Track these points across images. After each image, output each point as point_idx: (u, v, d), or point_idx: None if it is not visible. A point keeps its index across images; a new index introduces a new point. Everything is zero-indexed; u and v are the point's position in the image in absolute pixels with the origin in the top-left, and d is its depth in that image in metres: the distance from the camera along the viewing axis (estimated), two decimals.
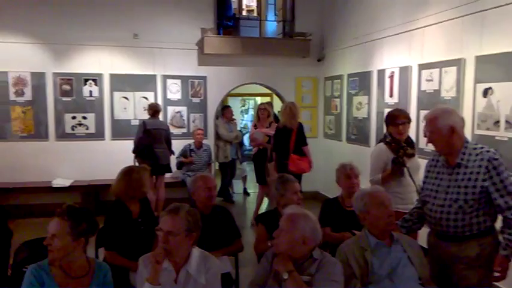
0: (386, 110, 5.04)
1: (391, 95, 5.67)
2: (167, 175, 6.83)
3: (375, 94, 6.11)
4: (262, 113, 6.68)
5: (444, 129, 2.57)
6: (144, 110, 6.90)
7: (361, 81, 6.47)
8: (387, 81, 5.75)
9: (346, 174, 3.56)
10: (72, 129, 7.08)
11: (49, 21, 6.83)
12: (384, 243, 2.55)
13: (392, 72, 5.62)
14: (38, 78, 6.89)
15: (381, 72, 5.91)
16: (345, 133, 7.07)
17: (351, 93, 6.79)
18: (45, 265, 2.24)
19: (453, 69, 4.50)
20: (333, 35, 7.52)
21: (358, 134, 6.60)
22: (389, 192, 2.99)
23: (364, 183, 3.71)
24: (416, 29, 5.12)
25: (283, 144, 5.70)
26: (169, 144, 6.64)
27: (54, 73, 6.95)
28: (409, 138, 3.86)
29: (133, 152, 6.41)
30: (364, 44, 6.37)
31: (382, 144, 3.87)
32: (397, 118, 3.77)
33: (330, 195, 5.26)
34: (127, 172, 3.41)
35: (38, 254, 2.43)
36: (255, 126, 6.76)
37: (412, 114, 4.90)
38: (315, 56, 7.85)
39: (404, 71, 5.35)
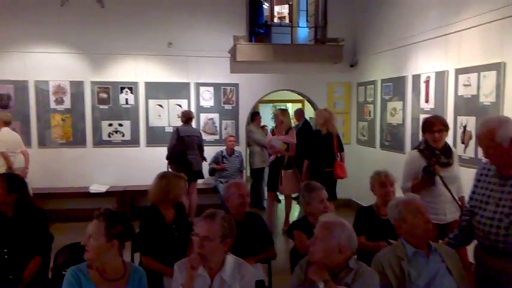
0: (422, 116, 4.93)
1: (426, 101, 5.54)
2: (199, 181, 6.90)
3: (409, 100, 5.98)
4: (275, 119, 6.66)
5: (505, 142, 2.34)
6: (178, 117, 7.01)
7: (396, 87, 6.36)
8: (423, 86, 5.62)
9: (381, 182, 3.49)
10: (109, 136, 7.28)
11: (88, 32, 7.07)
12: (422, 252, 2.47)
13: (428, 77, 5.49)
14: (77, 86, 7.13)
15: (416, 77, 5.78)
16: (378, 139, 6.95)
17: (385, 99, 6.68)
18: (83, 267, 2.31)
19: (492, 74, 4.36)
20: (366, 40, 7.43)
21: (392, 140, 6.47)
22: None
23: (399, 191, 3.62)
24: (452, 32, 4.99)
25: (326, 151, 5.58)
26: (201, 151, 6.72)
27: (92, 81, 7.17)
28: (446, 146, 3.69)
29: (167, 158, 6.51)
30: (398, 49, 6.25)
31: (415, 151, 3.75)
32: (433, 125, 3.63)
33: (364, 203, 5.18)
34: (160, 178, 3.47)
35: (77, 258, 2.50)
36: (272, 133, 6.68)
37: (449, 120, 4.75)
38: (347, 62, 7.76)
39: (441, 75, 5.22)
